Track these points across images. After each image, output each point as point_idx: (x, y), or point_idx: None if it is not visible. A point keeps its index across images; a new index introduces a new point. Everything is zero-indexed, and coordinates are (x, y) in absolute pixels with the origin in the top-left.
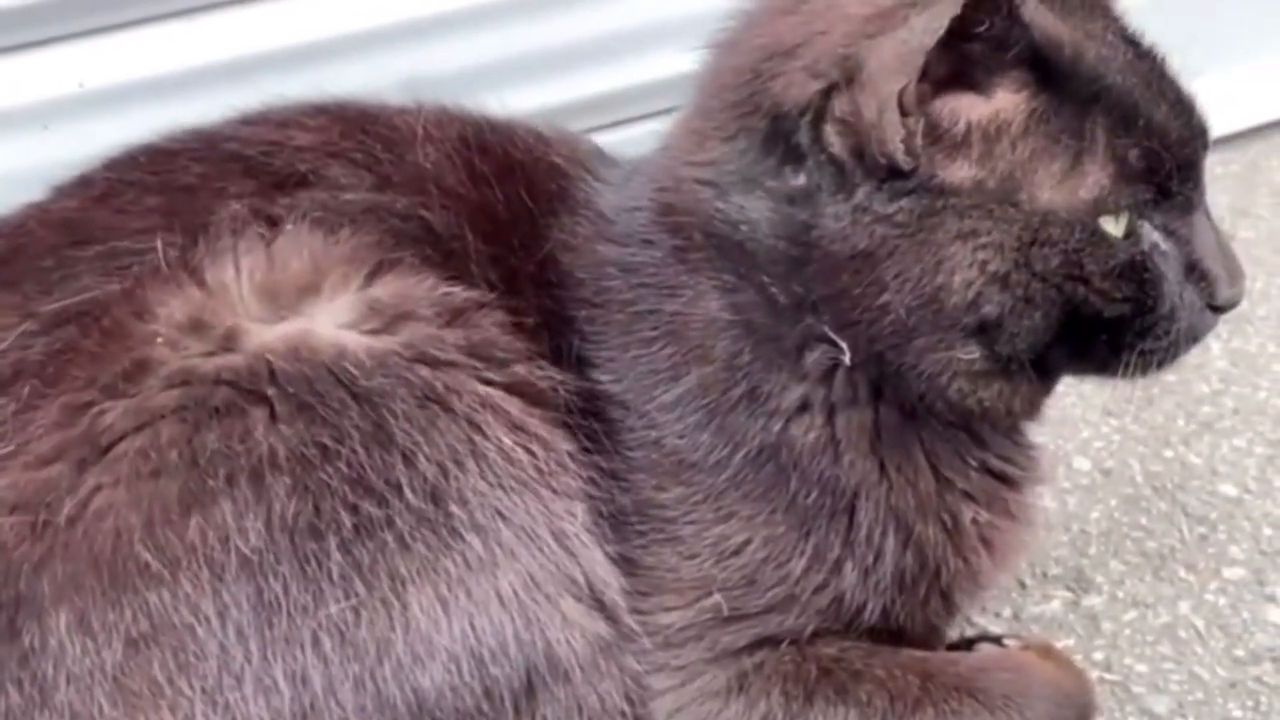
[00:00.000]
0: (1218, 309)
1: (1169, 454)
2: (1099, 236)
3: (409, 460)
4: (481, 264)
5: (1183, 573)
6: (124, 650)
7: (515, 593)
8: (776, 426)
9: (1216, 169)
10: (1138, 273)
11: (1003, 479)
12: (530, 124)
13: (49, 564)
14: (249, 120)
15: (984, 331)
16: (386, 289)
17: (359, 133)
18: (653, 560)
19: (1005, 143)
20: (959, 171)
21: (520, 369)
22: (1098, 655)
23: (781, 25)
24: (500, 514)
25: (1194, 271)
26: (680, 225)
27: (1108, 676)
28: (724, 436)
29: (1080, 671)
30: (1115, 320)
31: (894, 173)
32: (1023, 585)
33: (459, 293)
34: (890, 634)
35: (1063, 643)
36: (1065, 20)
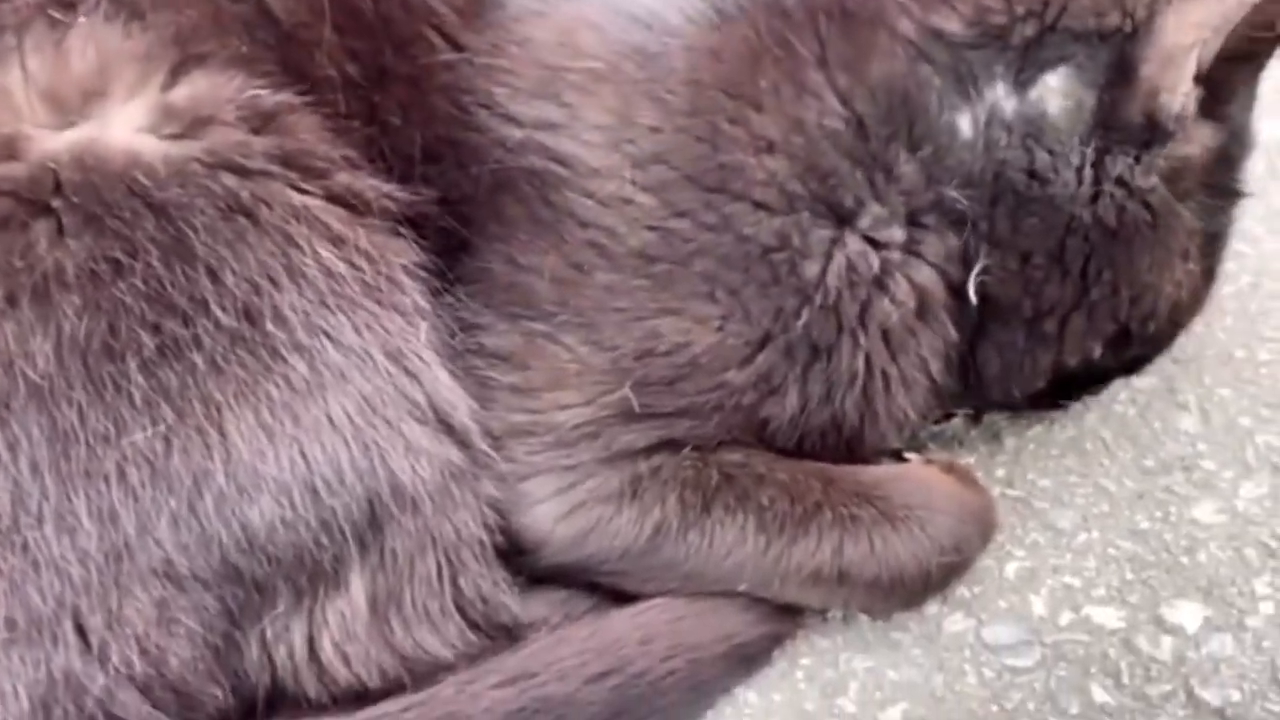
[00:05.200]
0: None
1: None
2: None
3: (215, 276)
4: (334, 56)
5: None
6: None
7: (348, 417)
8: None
9: None
10: None
11: None
12: None
13: None
14: None
15: (1116, 342)
16: (186, 90)
17: None
18: (556, 350)
19: None
20: None
21: (344, 177)
22: (999, 471)
23: None
24: (325, 333)
25: None
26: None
27: (1009, 492)
28: (716, 216)
29: (983, 488)
30: None
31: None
32: None
33: (269, 95)
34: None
35: (963, 459)
36: None
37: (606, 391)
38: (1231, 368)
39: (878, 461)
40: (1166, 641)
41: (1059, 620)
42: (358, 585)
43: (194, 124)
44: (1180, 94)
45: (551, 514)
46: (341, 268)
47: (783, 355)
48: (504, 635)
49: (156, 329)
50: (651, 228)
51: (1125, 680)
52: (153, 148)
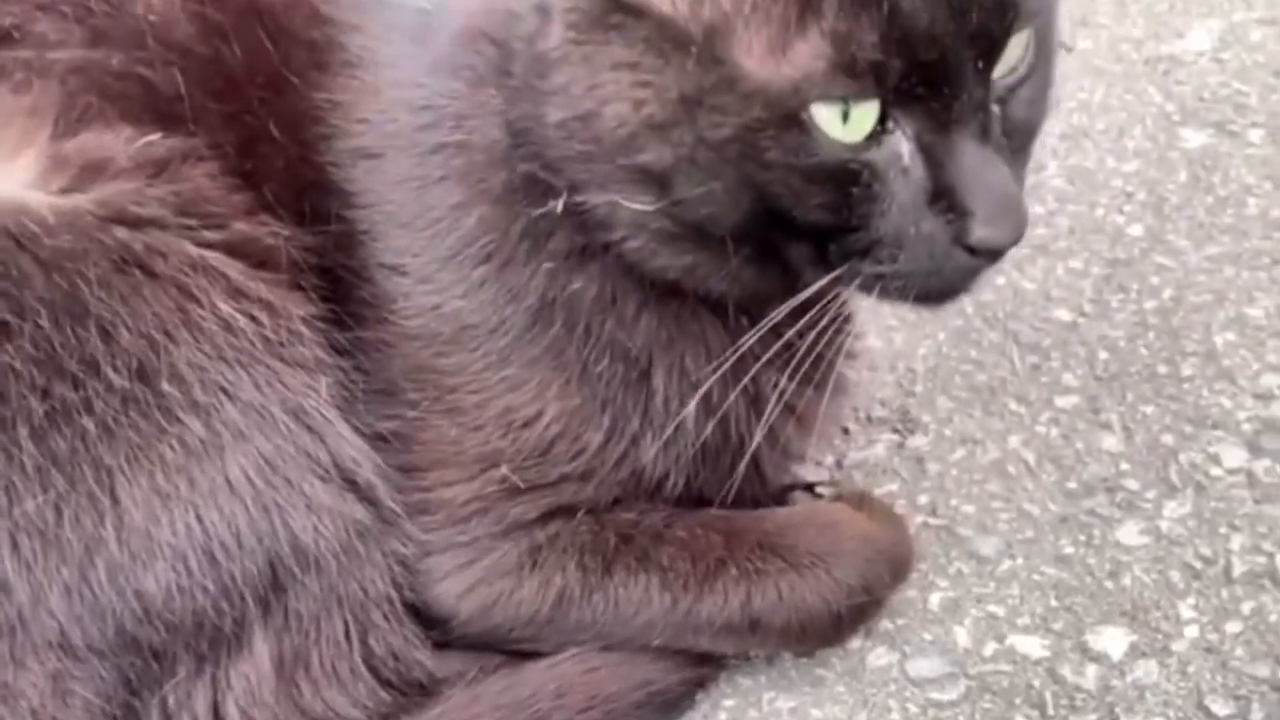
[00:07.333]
0: (973, 250)
1: (1001, 281)
2: (797, 124)
3: (107, 334)
4: (210, 127)
5: (1013, 405)
6: None
7: (248, 478)
8: (559, 275)
9: None
10: (841, 182)
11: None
12: None
13: None
14: None
15: (654, 183)
16: (76, 142)
17: None
18: (431, 434)
19: None
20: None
21: (241, 226)
22: (923, 499)
23: None
24: (223, 391)
25: (941, 200)
26: (484, 48)
27: (932, 521)
28: (505, 289)
29: (898, 521)
30: (813, 228)
31: None
32: (845, 431)
33: (161, 141)
34: (698, 502)
35: (887, 488)
36: None
37: (486, 468)
38: (1154, 384)
39: (785, 500)
40: (1091, 669)
41: (983, 651)
42: (262, 648)
43: (85, 173)
44: None
45: (454, 591)
46: (241, 321)
47: (620, 403)
48: (418, 691)
49: (46, 394)
50: (454, 310)
51: (1050, 711)
52: (41, 201)
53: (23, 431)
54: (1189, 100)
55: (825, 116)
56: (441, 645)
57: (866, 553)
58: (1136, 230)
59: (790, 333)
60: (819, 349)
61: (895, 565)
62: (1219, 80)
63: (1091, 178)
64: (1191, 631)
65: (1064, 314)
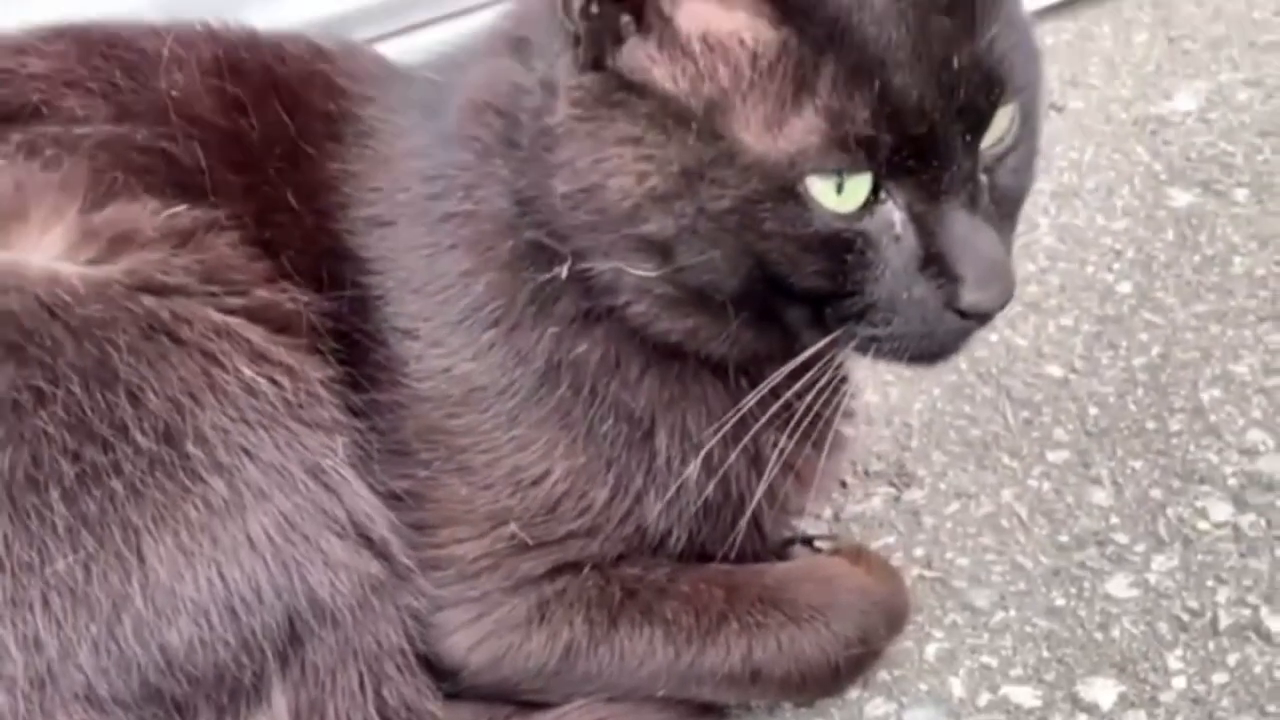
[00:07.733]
0: (963, 314)
1: (994, 338)
2: (793, 196)
3: (136, 398)
4: (231, 197)
5: (1006, 459)
6: None
7: (268, 535)
8: (564, 339)
9: (1048, 38)
10: (836, 250)
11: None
12: (309, 39)
13: None
14: None
15: (657, 251)
16: (104, 215)
17: (98, 58)
18: (443, 492)
19: (725, 69)
20: (659, 75)
21: (262, 293)
22: (918, 551)
23: None
24: (245, 451)
25: (932, 266)
26: (491, 120)
27: (927, 573)
28: (513, 352)
29: (894, 574)
30: (810, 293)
31: (577, 40)
32: (843, 484)
33: (185, 213)
34: (700, 557)
35: (883, 540)
36: None
37: (496, 526)
38: (1143, 439)
39: (785, 555)
40: None
41: (977, 701)
42: (280, 700)
43: (113, 244)
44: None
45: (463, 644)
46: (263, 384)
47: (625, 462)
48: None
49: (77, 457)
50: (464, 372)
51: None
52: (71, 271)
53: (54, 494)
54: (1176, 160)
55: (820, 188)
56: (452, 696)
57: (864, 605)
58: (1125, 288)
59: (789, 393)
60: (817, 408)
61: (892, 617)
62: (1206, 140)
63: (1081, 236)
64: (1179, 682)
65: (1055, 370)
